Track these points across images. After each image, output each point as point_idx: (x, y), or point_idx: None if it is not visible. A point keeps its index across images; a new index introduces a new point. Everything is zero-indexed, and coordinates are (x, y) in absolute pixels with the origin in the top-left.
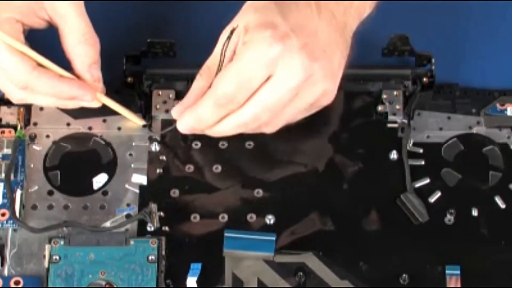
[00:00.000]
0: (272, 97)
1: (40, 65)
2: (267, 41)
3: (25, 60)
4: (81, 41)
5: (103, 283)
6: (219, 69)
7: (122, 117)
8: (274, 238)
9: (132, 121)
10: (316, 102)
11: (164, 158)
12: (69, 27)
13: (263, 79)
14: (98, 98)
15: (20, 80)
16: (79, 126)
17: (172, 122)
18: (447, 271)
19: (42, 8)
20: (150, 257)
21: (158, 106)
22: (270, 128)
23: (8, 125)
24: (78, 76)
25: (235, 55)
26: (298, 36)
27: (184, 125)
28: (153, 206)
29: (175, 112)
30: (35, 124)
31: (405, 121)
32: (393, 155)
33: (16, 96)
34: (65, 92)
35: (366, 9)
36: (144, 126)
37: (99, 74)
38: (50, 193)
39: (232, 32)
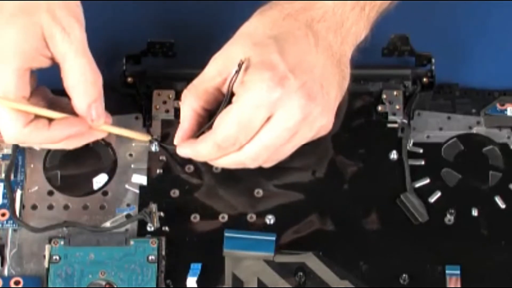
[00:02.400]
0: (271, 137)
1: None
2: (266, 84)
3: (17, 118)
4: (80, 80)
5: (103, 283)
6: (224, 105)
7: (122, 118)
8: (274, 238)
9: (139, 139)
10: (314, 136)
11: (164, 158)
12: (69, 66)
13: (263, 120)
14: (94, 127)
15: (11, 137)
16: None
17: (171, 122)
18: (447, 271)
19: (45, 47)
20: (150, 257)
21: (158, 106)
22: (269, 164)
23: None
24: (77, 114)
25: (235, 96)
26: (297, 77)
27: (184, 155)
28: (153, 206)
29: (176, 138)
30: None
31: (405, 121)
32: (393, 155)
33: (15, 143)
34: (58, 136)
35: (362, 34)
36: (150, 141)
37: (100, 112)
38: (50, 193)
39: (240, 66)
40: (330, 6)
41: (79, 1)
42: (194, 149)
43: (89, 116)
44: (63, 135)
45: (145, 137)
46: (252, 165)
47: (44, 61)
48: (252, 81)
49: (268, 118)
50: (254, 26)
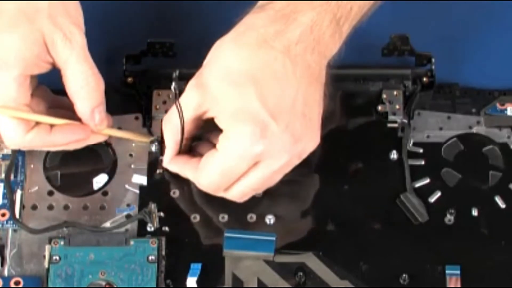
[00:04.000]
0: (258, 179)
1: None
2: (249, 138)
3: (19, 126)
4: (83, 86)
5: (103, 283)
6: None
7: (122, 118)
8: (274, 238)
9: (140, 141)
10: (302, 159)
11: None
12: (71, 72)
13: (248, 167)
14: (96, 132)
15: (14, 143)
16: None
17: None
18: (447, 271)
19: (46, 53)
20: (150, 257)
21: (158, 106)
22: (258, 194)
23: None
24: (80, 120)
25: (218, 144)
26: (278, 121)
27: (171, 170)
28: (153, 206)
29: (164, 160)
30: None
31: (405, 121)
32: (393, 155)
33: (12, 147)
34: (60, 142)
35: (337, 47)
36: (151, 142)
37: (102, 116)
38: (50, 193)
39: (175, 90)
40: (307, 24)
41: (79, 7)
42: (182, 172)
43: (93, 121)
44: (65, 141)
45: (146, 139)
46: (239, 201)
47: (44, 66)
48: (234, 133)
49: (255, 163)
50: (230, 58)
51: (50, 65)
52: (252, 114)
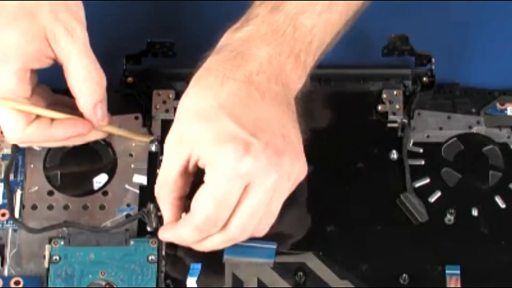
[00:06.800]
0: (253, 204)
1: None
2: (233, 156)
3: (19, 118)
4: (85, 79)
5: (103, 283)
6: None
7: (122, 118)
8: (274, 247)
9: (140, 140)
10: (294, 184)
11: None
12: (73, 66)
13: (240, 191)
14: (97, 128)
15: (14, 137)
16: None
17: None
18: (447, 271)
19: (48, 47)
20: (150, 257)
21: (158, 106)
22: (262, 232)
23: None
24: (82, 115)
25: (205, 175)
26: (259, 138)
27: (166, 239)
28: (151, 206)
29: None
30: None
31: (405, 120)
32: (393, 155)
33: (18, 143)
34: (60, 136)
35: (302, 80)
36: (151, 141)
37: (104, 112)
38: (50, 193)
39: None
40: (264, 58)
41: (81, 3)
42: (175, 234)
43: (95, 116)
44: (65, 135)
45: (146, 138)
46: (243, 237)
47: (45, 61)
48: (218, 157)
49: (246, 187)
50: (194, 100)
51: (51, 60)
52: (231, 135)
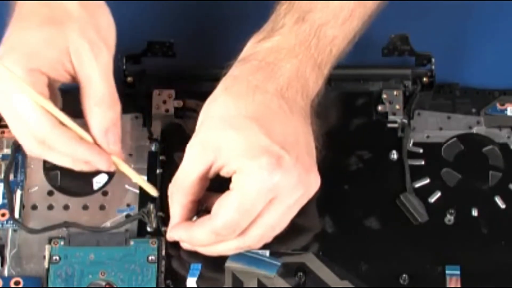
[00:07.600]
0: (275, 217)
1: (62, 123)
2: (266, 169)
3: (48, 116)
4: (100, 104)
5: (103, 283)
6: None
7: (122, 118)
8: (279, 264)
9: (146, 190)
10: (308, 198)
11: (164, 158)
12: (91, 88)
13: (265, 203)
14: (114, 164)
15: (39, 135)
16: None
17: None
18: (447, 271)
19: (70, 62)
20: (150, 258)
21: (158, 106)
22: (270, 239)
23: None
24: (93, 139)
25: (233, 183)
26: (290, 153)
27: (177, 238)
28: (151, 206)
29: (169, 230)
30: None
31: (405, 121)
32: (393, 155)
33: (33, 151)
34: (81, 155)
35: (319, 89)
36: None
37: (116, 138)
38: (50, 193)
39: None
40: (292, 71)
41: (113, 27)
42: (189, 233)
43: (106, 141)
44: (86, 158)
45: (154, 192)
46: (258, 246)
47: (63, 75)
48: (251, 167)
49: (271, 200)
50: (223, 108)
51: (69, 76)
52: (264, 147)
